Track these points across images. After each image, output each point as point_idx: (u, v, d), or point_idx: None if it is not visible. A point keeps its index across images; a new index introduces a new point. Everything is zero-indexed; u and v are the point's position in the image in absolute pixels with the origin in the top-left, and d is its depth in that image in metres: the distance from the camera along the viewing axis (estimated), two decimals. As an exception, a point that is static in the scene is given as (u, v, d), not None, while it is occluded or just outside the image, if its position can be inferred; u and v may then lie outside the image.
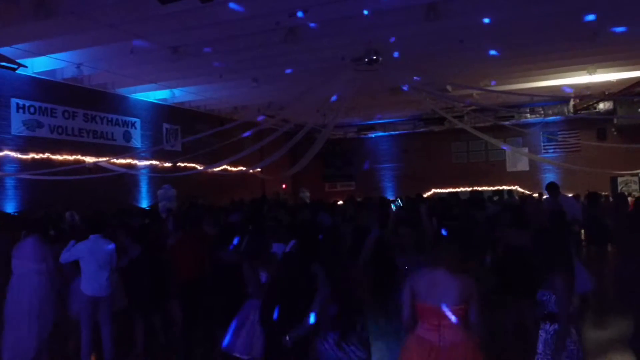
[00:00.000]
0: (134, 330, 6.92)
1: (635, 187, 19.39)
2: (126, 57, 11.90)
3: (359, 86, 13.09)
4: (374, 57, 11.34)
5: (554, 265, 3.84)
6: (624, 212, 7.06)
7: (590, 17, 10.19)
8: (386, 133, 24.11)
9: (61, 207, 11.08)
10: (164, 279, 6.85)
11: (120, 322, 6.96)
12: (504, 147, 17.87)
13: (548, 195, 9.78)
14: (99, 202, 12.30)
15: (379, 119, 22.06)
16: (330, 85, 12.59)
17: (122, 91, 15.43)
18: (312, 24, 10.18)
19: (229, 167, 16.24)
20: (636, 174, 18.68)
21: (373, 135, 24.49)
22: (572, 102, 18.95)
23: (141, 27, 10.28)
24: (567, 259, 3.90)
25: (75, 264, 6.47)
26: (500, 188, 20.66)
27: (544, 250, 4.23)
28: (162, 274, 6.85)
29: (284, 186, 23.72)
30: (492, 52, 11.88)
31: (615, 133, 20.35)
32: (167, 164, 15.63)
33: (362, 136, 24.53)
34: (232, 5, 8.93)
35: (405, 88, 13.06)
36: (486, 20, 10.32)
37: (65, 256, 6.38)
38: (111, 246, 6.50)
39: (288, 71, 13.02)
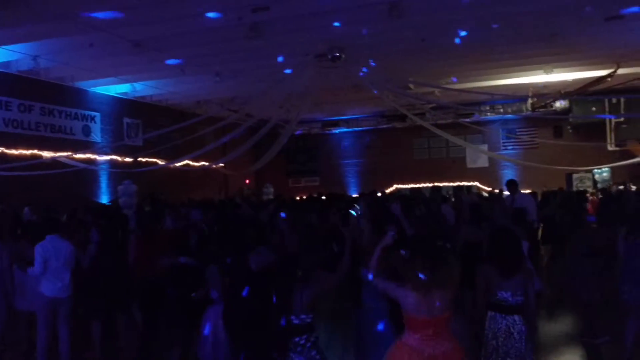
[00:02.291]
0: (91, 333, 6.74)
1: (589, 183, 20.03)
2: (85, 50, 11.64)
3: (322, 82, 13.17)
4: (337, 54, 11.40)
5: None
6: (576, 211, 7.31)
7: (547, 19, 10.54)
8: (350, 129, 24.27)
9: (18, 203, 10.80)
10: (125, 279, 6.71)
11: (78, 324, 6.82)
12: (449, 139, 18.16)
13: (507, 192, 10.02)
14: (57, 198, 12.02)
15: (337, 115, 22.03)
16: (293, 80, 12.64)
17: (81, 84, 15.06)
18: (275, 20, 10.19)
19: (191, 163, 16.09)
20: (590, 171, 19.30)
21: (337, 131, 24.60)
22: (530, 101, 19.41)
23: (101, 20, 10.07)
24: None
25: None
26: (461, 184, 21.05)
27: (498, 247, 4.52)
28: (122, 274, 6.71)
29: (247, 182, 23.63)
30: (458, 40, 11.80)
31: (570, 131, 20.99)
32: (128, 159, 15.37)
33: (326, 132, 24.62)
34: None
35: (375, 91, 13.20)
36: (448, 19, 10.53)
37: (38, 267, 6.19)
38: (70, 245, 6.37)
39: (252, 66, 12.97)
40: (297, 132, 22.15)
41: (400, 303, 3.82)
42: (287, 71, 13.68)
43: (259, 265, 4.99)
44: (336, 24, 10.53)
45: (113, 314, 6.87)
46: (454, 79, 15.66)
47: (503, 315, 4.36)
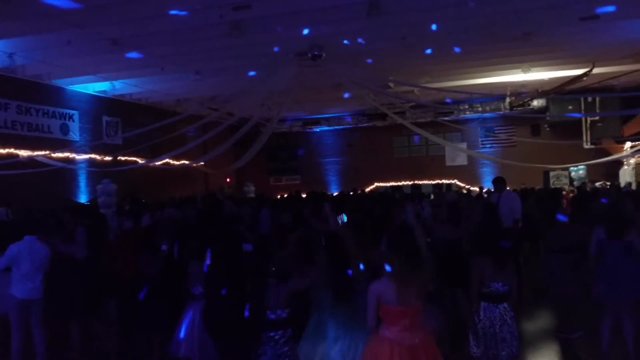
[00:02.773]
0: (70, 334, 6.60)
1: (565, 180, 20.38)
2: (63, 47, 11.50)
3: (303, 80, 13.21)
4: (317, 53, 11.44)
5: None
6: (552, 209, 7.42)
7: (524, 19, 10.71)
8: (331, 127, 24.33)
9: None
10: (104, 280, 6.63)
11: (55, 326, 6.74)
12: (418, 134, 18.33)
13: (493, 190, 10.11)
14: (35, 198, 11.88)
15: (318, 113, 22.01)
16: (274, 79, 12.64)
17: (58, 82, 14.88)
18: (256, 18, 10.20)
19: (171, 161, 16.01)
20: (567, 169, 19.63)
21: (318, 130, 24.65)
22: (508, 99, 19.67)
23: (79, 17, 9.97)
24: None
25: None
26: (440, 182, 21.27)
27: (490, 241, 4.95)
28: (101, 274, 6.64)
29: (228, 180, 23.55)
30: (428, 52, 12.14)
31: (548, 129, 21.32)
32: (107, 158, 15.23)
33: (307, 130, 24.65)
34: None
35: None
36: (427, 19, 10.65)
37: (2, 263, 6.13)
38: (47, 249, 6.29)
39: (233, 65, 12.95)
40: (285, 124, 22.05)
41: (378, 301, 3.94)
42: (251, 73, 13.76)
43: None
44: (305, 31, 10.68)
45: (91, 314, 6.78)
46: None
47: (495, 304, 4.74)
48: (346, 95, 13.37)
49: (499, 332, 4.65)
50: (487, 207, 7.59)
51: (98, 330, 6.95)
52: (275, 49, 11.67)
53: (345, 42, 11.61)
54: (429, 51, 12.59)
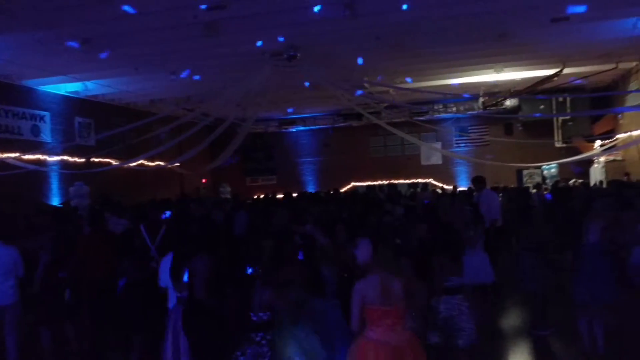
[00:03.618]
0: (41, 340, 6.50)
1: (538, 179, 20.73)
2: (33, 47, 11.27)
3: (279, 81, 13.18)
4: (293, 54, 11.44)
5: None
6: (521, 206, 7.56)
7: (496, 19, 10.87)
8: (307, 127, 24.32)
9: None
10: (76, 284, 6.51)
11: (27, 331, 6.61)
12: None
13: (473, 188, 10.20)
14: (5, 201, 11.63)
15: (293, 113, 21.94)
16: (250, 79, 12.60)
17: (29, 83, 14.57)
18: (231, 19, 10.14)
19: (146, 162, 15.81)
20: (539, 167, 19.97)
21: (294, 130, 24.63)
22: (481, 99, 19.92)
23: (48, 17, 9.78)
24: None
25: None
26: (416, 181, 21.45)
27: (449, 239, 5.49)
28: (73, 278, 6.51)
29: (203, 181, 23.39)
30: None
31: (520, 128, 21.65)
32: (80, 160, 14.99)
33: (283, 130, 24.61)
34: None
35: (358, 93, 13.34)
36: (401, 19, 10.71)
37: None
38: (16, 252, 6.17)
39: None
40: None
41: (363, 302, 4.00)
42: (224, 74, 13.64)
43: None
44: (280, 38, 10.72)
45: (63, 319, 6.63)
46: (409, 80, 15.92)
47: (452, 296, 5.19)
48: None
49: (458, 321, 5.07)
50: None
51: (70, 333, 6.79)
52: (259, 43, 11.56)
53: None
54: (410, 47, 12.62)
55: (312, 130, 24.44)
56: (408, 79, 15.85)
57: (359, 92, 13.68)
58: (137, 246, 6.31)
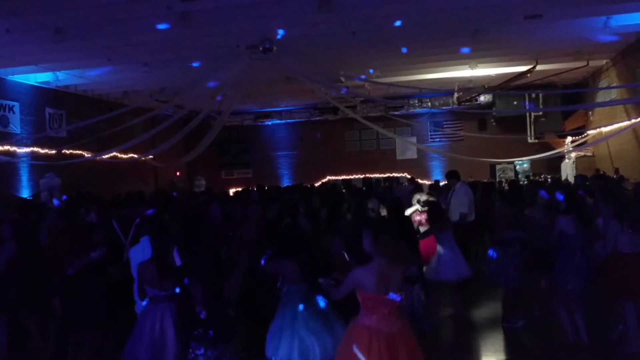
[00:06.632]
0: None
1: (511, 174, 21.05)
2: (1, 36, 11.00)
3: (254, 74, 13.10)
4: (269, 46, 11.38)
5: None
6: (492, 201, 7.66)
7: (471, 16, 10.98)
8: (283, 121, 24.25)
9: None
10: (39, 277, 6.31)
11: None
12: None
13: (447, 183, 10.24)
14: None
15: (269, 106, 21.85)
16: (224, 72, 12.50)
17: (-3, 72, 14.26)
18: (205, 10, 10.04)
19: (119, 155, 15.58)
20: (512, 162, 20.25)
21: (270, 123, 24.54)
22: (456, 95, 20.09)
23: (17, 4, 9.55)
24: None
25: None
26: (391, 175, 21.56)
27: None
28: (36, 272, 6.31)
29: (178, 174, 23.18)
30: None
31: (494, 124, 21.89)
32: (51, 151, 14.70)
33: (259, 123, 24.50)
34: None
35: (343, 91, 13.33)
36: (378, 14, 10.75)
37: None
38: None
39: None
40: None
41: (358, 288, 4.02)
42: (195, 64, 13.57)
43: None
44: (266, 15, 10.56)
45: (23, 314, 6.43)
46: (371, 71, 15.95)
47: (411, 285, 5.65)
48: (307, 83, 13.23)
49: (417, 309, 5.58)
50: (393, 203, 7.66)
51: (32, 328, 6.56)
52: (236, 40, 11.48)
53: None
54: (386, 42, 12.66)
55: (287, 123, 24.38)
56: (370, 70, 15.87)
57: (344, 90, 13.76)
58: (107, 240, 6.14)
